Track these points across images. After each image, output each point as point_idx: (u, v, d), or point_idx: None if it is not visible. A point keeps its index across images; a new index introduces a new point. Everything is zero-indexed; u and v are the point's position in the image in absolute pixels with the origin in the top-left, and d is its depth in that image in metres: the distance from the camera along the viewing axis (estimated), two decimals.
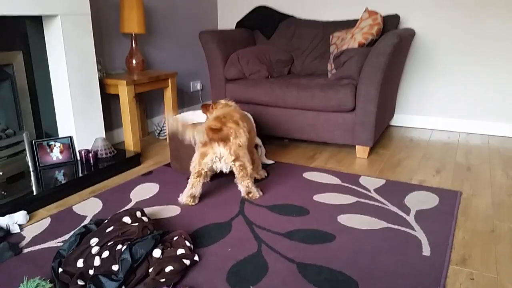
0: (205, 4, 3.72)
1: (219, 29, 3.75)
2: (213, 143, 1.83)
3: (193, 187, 1.89)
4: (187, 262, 1.37)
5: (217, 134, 1.82)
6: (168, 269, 1.31)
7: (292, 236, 1.61)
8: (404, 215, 1.77)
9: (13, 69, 2.15)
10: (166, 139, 2.98)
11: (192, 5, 3.57)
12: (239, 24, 3.43)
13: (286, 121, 2.68)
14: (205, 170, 1.86)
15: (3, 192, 1.88)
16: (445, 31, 3.02)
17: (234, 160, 1.85)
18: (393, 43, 2.29)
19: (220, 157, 1.85)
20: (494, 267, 1.41)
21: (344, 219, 1.74)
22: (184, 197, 1.92)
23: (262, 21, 3.36)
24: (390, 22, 2.90)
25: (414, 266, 1.41)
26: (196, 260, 1.42)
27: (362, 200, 1.93)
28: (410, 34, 2.76)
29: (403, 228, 1.66)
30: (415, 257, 1.46)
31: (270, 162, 2.45)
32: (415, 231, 1.64)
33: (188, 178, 1.92)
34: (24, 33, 2.18)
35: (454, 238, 1.60)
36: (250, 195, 1.97)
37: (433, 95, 3.18)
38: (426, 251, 1.50)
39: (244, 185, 1.94)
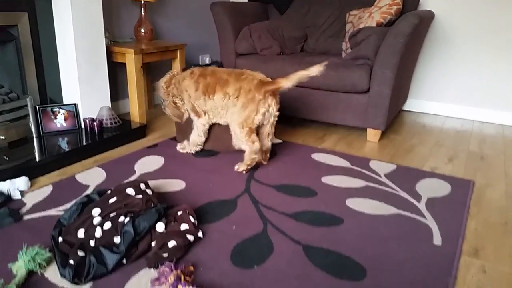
0: None
1: (232, 1, 3.63)
2: (263, 97, 1.88)
3: (255, 142, 1.94)
4: (190, 238, 1.33)
5: (270, 85, 1.89)
6: (171, 244, 1.27)
7: (298, 217, 1.56)
8: (415, 202, 1.72)
9: (18, 30, 2.07)
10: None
11: None
12: None
13: (296, 100, 2.60)
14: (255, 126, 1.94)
15: (5, 157, 1.83)
16: (465, 16, 2.90)
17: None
18: (413, 23, 2.18)
19: (268, 110, 1.94)
20: (508, 261, 1.36)
21: (353, 203, 1.69)
22: (257, 157, 1.98)
23: None
24: (410, 2, 2.77)
25: (424, 255, 1.36)
26: (200, 237, 1.38)
27: (372, 185, 1.87)
28: (429, 17, 2.65)
29: (413, 215, 1.61)
30: (426, 246, 1.41)
31: (278, 141, 2.39)
32: (426, 219, 1.59)
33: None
34: None
35: (466, 229, 1.55)
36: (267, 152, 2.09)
37: (449, 82, 3.08)
38: (437, 240, 1.45)
39: (271, 138, 2.07)
